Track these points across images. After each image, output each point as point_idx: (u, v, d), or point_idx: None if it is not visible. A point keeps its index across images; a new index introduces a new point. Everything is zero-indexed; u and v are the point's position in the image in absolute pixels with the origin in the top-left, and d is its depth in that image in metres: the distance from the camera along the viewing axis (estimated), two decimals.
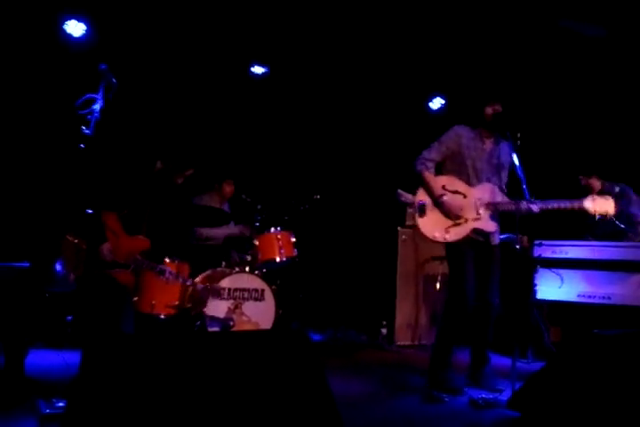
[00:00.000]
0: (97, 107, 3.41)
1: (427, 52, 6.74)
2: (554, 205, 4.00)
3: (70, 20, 5.66)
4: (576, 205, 3.97)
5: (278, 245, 5.37)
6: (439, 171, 4.29)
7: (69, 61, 5.67)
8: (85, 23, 5.69)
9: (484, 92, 4.27)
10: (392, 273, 6.10)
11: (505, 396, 3.66)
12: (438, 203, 4.13)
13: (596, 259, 5.15)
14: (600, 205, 3.92)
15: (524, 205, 3.96)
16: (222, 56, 6.47)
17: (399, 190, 5.80)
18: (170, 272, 4.18)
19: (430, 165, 4.21)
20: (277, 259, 5.35)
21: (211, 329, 4.74)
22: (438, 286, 5.97)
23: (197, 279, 5.13)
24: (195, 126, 6.55)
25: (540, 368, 3.58)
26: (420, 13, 6.13)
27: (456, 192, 4.17)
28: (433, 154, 4.22)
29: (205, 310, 4.78)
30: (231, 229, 5.94)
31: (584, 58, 6.54)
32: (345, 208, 7.15)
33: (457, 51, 6.67)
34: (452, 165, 4.24)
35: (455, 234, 4.11)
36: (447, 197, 4.13)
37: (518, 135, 4.07)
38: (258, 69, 6.80)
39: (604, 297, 5.04)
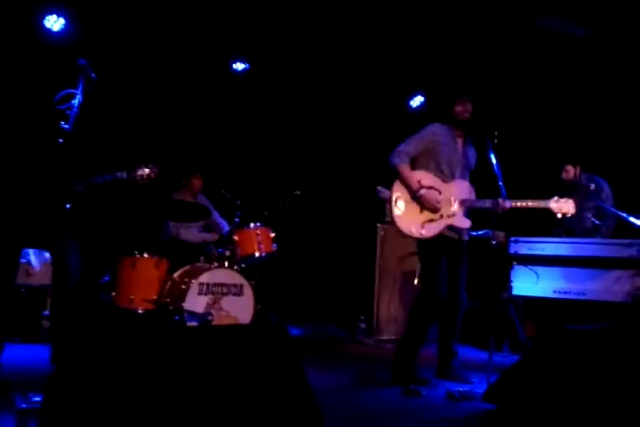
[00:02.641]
0: (76, 102, 3.40)
1: (407, 50, 6.77)
2: (522, 203, 4.11)
3: (50, 14, 5.61)
4: (542, 204, 4.10)
5: (257, 241, 5.38)
6: (412, 166, 4.29)
7: (48, 56, 5.62)
8: (65, 18, 5.65)
9: (452, 90, 4.33)
10: (371, 268, 6.15)
11: (480, 389, 3.71)
12: (416, 197, 4.13)
13: (571, 255, 5.23)
14: (561, 206, 4.06)
15: (496, 202, 4.05)
16: (203, 52, 6.45)
17: (378, 187, 5.84)
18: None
19: (406, 158, 4.19)
20: (256, 254, 5.36)
21: (189, 324, 4.74)
22: (417, 281, 6.01)
23: (176, 274, 5.13)
24: (175, 122, 6.54)
25: (515, 362, 3.64)
26: (401, 11, 6.16)
27: (431, 188, 4.18)
28: (410, 147, 4.21)
29: (184, 304, 4.78)
30: (211, 235, 5.99)
31: (565, 56, 6.62)
32: (324, 204, 7.18)
33: (437, 49, 6.71)
34: (427, 161, 4.24)
35: (430, 230, 4.14)
36: (425, 191, 4.14)
37: (495, 133, 4.13)
38: (239, 66, 6.80)
39: (579, 293, 5.11)
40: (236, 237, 5.37)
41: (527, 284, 5.33)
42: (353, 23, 6.31)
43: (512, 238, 5.48)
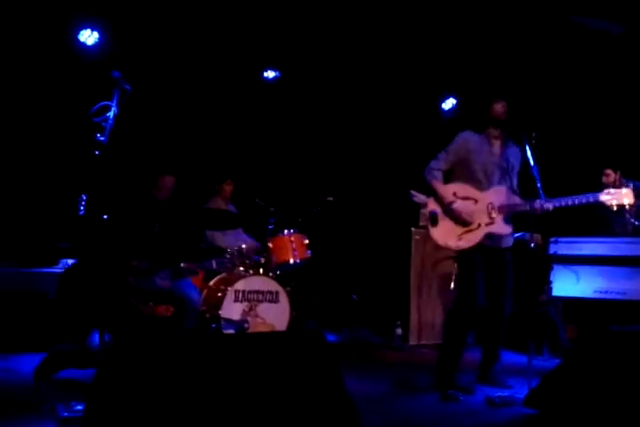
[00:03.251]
0: (111, 114, 3.45)
1: (438, 53, 6.74)
2: (568, 201, 3.93)
3: (84, 29, 5.73)
4: (591, 199, 3.88)
5: (292, 248, 5.39)
6: (449, 178, 4.27)
7: (83, 70, 5.74)
8: (99, 31, 5.76)
9: (486, 91, 4.27)
10: (406, 273, 6.11)
11: (521, 393, 3.66)
12: (448, 210, 4.12)
13: (611, 255, 5.15)
14: (617, 197, 3.83)
15: (537, 204, 3.94)
16: (234, 61, 6.52)
17: (412, 191, 5.82)
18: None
19: (438, 174, 4.21)
20: (291, 261, 5.38)
21: (226, 331, 4.77)
22: (452, 285, 5.96)
23: (212, 282, 5.17)
24: (208, 130, 6.60)
25: (556, 365, 3.58)
26: (432, 14, 6.13)
27: (467, 198, 4.13)
28: (440, 164, 4.22)
29: (220, 312, 4.82)
30: (246, 243, 6.00)
31: (599, 54, 6.51)
32: (358, 209, 7.16)
33: (469, 50, 6.66)
34: (462, 171, 4.21)
35: (468, 241, 4.08)
36: (457, 204, 4.11)
37: (533, 135, 4.07)
38: (270, 74, 6.85)
39: (619, 293, 5.03)
40: (270, 245, 5.39)
41: (567, 284, 5.27)
42: (382, 28, 6.31)
43: (552, 239, 5.41)
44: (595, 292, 5.14)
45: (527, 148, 4.05)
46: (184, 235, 4.42)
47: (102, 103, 3.46)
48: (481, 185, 4.18)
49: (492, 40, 6.50)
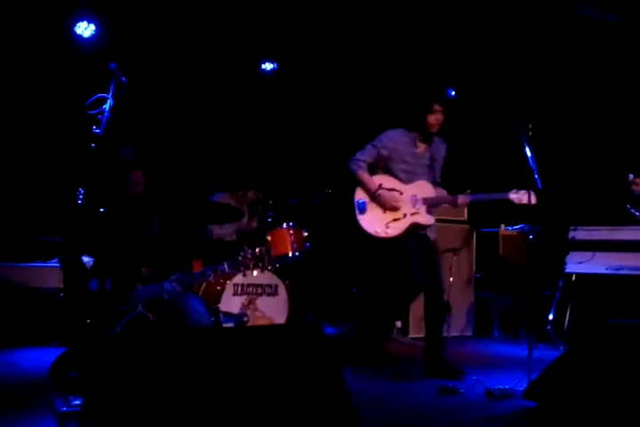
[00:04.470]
0: (107, 106, 3.42)
1: (436, 44, 6.71)
2: (484, 197, 4.26)
3: (80, 21, 5.71)
4: (503, 196, 4.20)
5: (290, 241, 5.37)
6: (373, 170, 4.43)
7: (80, 62, 5.71)
8: (95, 24, 5.72)
9: (425, 99, 4.30)
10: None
11: (521, 386, 3.65)
12: (375, 197, 4.28)
13: (626, 240, 5.26)
14: (521, 197, 4.14)
15: (458, 198, 4.25)
16: (232, 53, 6.49)
17: None
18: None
19: (363, 165, 4.37)
20: (290, 254, 5.36)
21: (225, 325, 4.76)
22: (452, 279, 5.98)
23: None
24: (205, 123, 6.58)
25: (556, 358, 3.57)
26: (429, 5, 6.11)
27: (392, 190, 4.31)
28: (366, 156, 4.39)
29: (219, 305, 4.81)
30: (240, 223, 5.93)
31: (597, 44, 6.48)
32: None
33: (467, 41, 6.63)
34: (386, 165, 4.39)
35: (395, 228, 4.27)
36: (382, 191, 4.28)
37: (530, 126, 4.06)
38: (267, 66, 6.82)
39: (632, 269, 5.13)
40: (269, 238, 5.37)
41: (580, 264, 5.41)
42: (380, 19, 6.28)
43: (571, 227, 5.54)
44: (607, 269, 5.25)
45: (523, 139, 4.04)
46: (187, 234, 4.41)
47: (98, 95, 3.43)
48: (405, 179, 4.37)
49: (490, 31, 6.47)
